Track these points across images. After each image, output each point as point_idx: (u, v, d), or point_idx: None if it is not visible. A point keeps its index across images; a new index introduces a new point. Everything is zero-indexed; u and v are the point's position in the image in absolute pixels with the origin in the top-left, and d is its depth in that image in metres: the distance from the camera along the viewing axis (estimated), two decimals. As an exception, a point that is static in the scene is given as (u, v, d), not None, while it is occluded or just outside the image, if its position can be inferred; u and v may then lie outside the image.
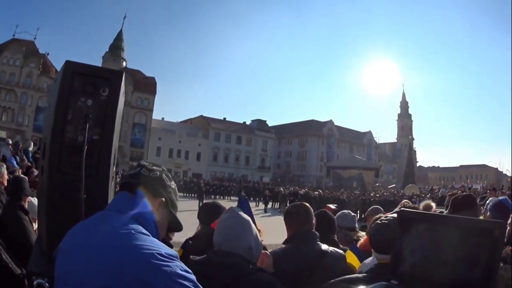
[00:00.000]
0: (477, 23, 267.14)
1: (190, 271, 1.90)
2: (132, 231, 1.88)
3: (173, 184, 2.32)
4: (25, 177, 6.65)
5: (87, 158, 2.69)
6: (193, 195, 55.30)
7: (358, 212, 32.34)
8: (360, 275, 3.23)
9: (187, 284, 1.82)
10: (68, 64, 2.85)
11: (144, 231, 1.94)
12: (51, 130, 2.76)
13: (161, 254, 1.81)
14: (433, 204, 6.99)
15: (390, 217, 3.28)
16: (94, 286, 1.76)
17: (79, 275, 1.81)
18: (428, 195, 37.27)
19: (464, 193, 10.08)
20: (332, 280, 3.24)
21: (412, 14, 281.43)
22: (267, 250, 4.03)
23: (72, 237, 2.00)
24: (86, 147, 2.67)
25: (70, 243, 1.97)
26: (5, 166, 8.05)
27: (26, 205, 5.87)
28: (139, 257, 1.77)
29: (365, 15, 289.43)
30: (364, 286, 2.20)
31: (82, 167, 2.62)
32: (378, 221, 3.39)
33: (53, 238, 2.15)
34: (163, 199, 2.17)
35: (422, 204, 7.00)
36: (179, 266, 1.84)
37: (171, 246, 2.13)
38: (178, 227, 2.38)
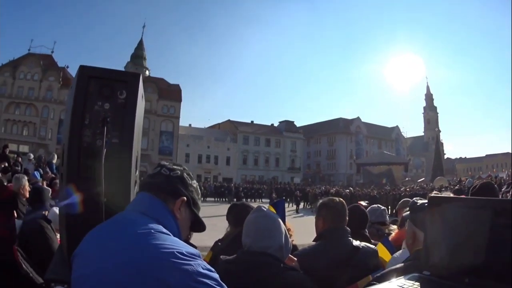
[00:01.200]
0: (499, 10, 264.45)
1: (213, 269, 1.85)
2: (152, 231, 1.83)
3: (194, 183, 2.28)
4: (46, 187, 6.74)
5: (107, 162, 2.66)
6: (224, 199, 55.49)
7: (389, 207, 32.24)
8: (408, 264, 3.18)
9: (210, 283, 1.77)
10: (83, 68, 2.82)
11: (164, 230, 1.89)
12: (68, 135, 2.73)
13: (181, 253, 1.75)
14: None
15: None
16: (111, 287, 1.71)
17: (95, 278, 1.76)
18: (456, 187, 37.10)
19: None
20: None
21: (433, 4, 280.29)
22: (297, 250, 4.01)
23: (89, 240, 1.96)
24: (105, 150, 2.64)
25: (87, 247, 1.93)
26: (26, 178, 8.20)
27: (47, 214, 5.91)
28: (159, 257, 1.72)
29: (385, 8, 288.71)
30: (399, 278, 2.14)
31: (102, 171, 2.59)
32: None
33: (73, 244, 2.11)
34: (185, 198, 2.13)
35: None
36: (201, 265, 1.79)
37: (194, 247, 2.09)
38: (201, 226, 2.31)
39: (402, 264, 3.11)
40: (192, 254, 1.80)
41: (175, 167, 2.24)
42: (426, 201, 3.17)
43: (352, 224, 4.11)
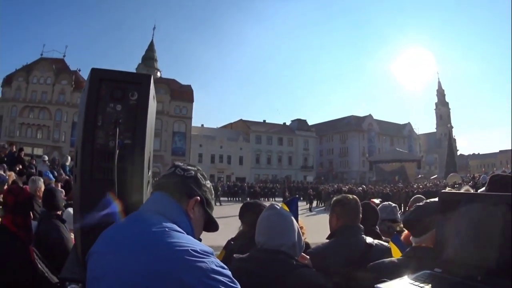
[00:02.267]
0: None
1: (225, 266, 1.88)
2: (166, 229, 1.87)
3: (208, 183, 2.31)
4: (59, 189, 6.80)
5: (120, 163, 2.70)
6: (237, 199, 55.39)
7: (402, 205, 32.12)
8: (394, 259, 3.20)
9: (223, 280, 1.79)
10: (94, 71, 2.86)
11: (178, 229, 1.92)
12: (82, 137, 2.77)
13: (195, 251, 1.79)
14: (472, 190, 6.89)
15: (427, 200, 3.22)
16: (128, 286, 1.74)
17: (111, 277, 1.80)
18: (470, 183, 36.94)
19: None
20: (371, 263, 3.22)
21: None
22: (310, 248, 4.01)
23: (104, 239, 2.00)
24: (117, 151, 2.68)
25: (102, 245, 1.97)
26: (42, 180, 8.34)
27: (61, 214, 6.07)
28: (173, 254, 1.76)
29: (394, 2, 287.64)
30: (410, 276, 2.14)
31: (115, 172, 2.64)
32: (414, 205, 3.36)
33: (87, 244, 2.15)
34: (198, 197, 2.15)
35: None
36: (214, 262, 1.82)
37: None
38: (214, 226, 2.33)
39: (401, 258, 3.16)
40: (205, 251, 1.83)
41: (189, 167, 2.26)
42: (432, 200, 3.20)
43: (363, 221, 4.10)
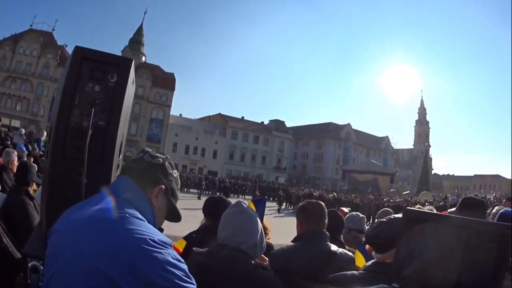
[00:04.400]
0: (500, 29, 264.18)
1: (182, 260, 1.87)
2: (127, 215, 1.86)
3: (175, 173, 2.30)
4: (33, 164, 6.73)
5: (92, 143, 2.69)
6: (207, 192, 55.16)
7: (371, 217, 32.29)
8: (356, 273, 3.21)
9: (177, 273, 1.79)
10: (78, 49, 2.87)
11: (139, 216, 1.91)
12: (57, 113, 2.77)
13: (153, 240, 1.78)
14: (434, 210, 6.96)
15: (391, 216, 3.24)
16: (83, 267, 1.72)
17: (68, 256, 1.78)
18: (441, 203, 37.13)
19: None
20: (331, 275, 3.23)
21: (432, 18, 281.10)
22: (273, 249, 4.01)
23: (66, 219, 1.98)
24: (90, 132, 2.67)
25: (63, 224, 1.95)
26: (16, 153, 8.32)
27: (31, 191, 5.97)
28: (130, 241, 1.74)
29: (383, 17, 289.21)
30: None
31: (85, 151, 2.63)
32: (377, 221, 3.36)
33: (51, 221, 2.14)
34: (163, 186, 2.14)
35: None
36: (171, 254, 1.81)
37: (161, 230, 2.13)
38: (176, 217, 2.32)
39: (362, 271, 3.17)
40: (164, 242, 1.82)
41: (157, 154, 2.24)
42: (395, 216, 3.22)
43: (329, 229, 4.10)
